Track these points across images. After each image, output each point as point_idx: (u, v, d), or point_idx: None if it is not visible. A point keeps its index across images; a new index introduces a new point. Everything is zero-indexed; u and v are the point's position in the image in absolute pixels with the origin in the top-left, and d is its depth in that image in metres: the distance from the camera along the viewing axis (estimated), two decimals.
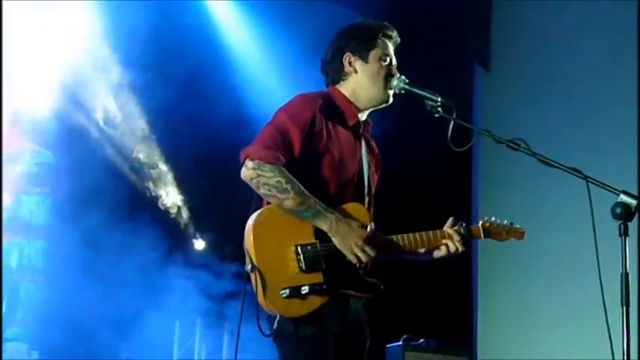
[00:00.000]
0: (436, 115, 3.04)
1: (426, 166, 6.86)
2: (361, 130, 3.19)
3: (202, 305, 7.07)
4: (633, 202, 2.68)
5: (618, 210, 2.68)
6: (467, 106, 7.47)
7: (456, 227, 3.14)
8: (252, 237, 2.86)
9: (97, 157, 6.92)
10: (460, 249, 3.12)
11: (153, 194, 7.41)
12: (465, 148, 3.00)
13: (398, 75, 3.17)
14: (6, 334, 6.48)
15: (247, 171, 2.89)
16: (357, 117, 3.18)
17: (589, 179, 2.80)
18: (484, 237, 3.23)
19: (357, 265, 2.93)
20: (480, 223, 3.23)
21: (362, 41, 3.18)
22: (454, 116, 3.02)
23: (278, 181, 2.85)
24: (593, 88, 6.85)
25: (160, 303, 6.72)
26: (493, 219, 3.26)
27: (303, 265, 2.86)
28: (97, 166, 6.79)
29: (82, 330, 6.39)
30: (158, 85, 6.71)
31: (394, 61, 3.22)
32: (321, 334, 2.88)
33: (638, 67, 6.43)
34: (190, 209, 7.61)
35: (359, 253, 2.89)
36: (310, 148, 2.98)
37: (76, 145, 6.87)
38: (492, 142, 2.97)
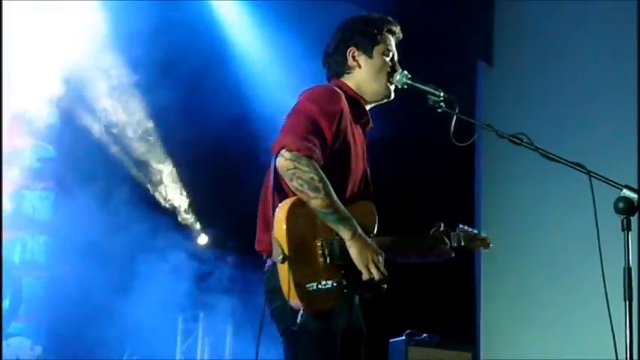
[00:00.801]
0: (439, 110, 3.01)
1: (429, 161, 6.86)
2: (368, 126, 3.17)
3: (205, 300, 7.09)
4: (636, 196, 2.68)
5: (621, 205, 2.68)
6: (469, 101, 7.46)
7: (441, 231, 3.18)
8: (284, 226, 2.77)
9: (100, 153, 6.94)
10: (451, 254, 3.15)
11: (155, 191, 7.42)
12: (468, 143, 2.99)
13: (401, 70, 3.14)
14: (9, 329, 6.50)
15: (285, 161, 2.79)
16: (367, 112, 3.16)
17: (592, 174, 2.80)
18: (464, 243, 3.27)
19: (368, 279, 2.86)
20: (458, 230, 3.28)
21: (366, 36, 3.14)
22: (457, 111, 2.99)
23: (312, 178, 2.76)
24: (595, 83, 6.84)
25: (163, 299, 6.73)
26: (466, 227, 3.29)
27: (328, 259, 2.81)
28: (100, 162, 6.81)
29: (85, 325, 6.41)
30: (161, 83, 6.71)
31: (396, 57, 3.19)
32: (333, 331, 2.85)
33: (638, 64, 6.43)
34: (193, 206, 7.63)
35: (373, 270, 2.82)
36: (335, 142, 2.92)
37: (79, 142, 6.89)
38: (495, 136, 2.97)
